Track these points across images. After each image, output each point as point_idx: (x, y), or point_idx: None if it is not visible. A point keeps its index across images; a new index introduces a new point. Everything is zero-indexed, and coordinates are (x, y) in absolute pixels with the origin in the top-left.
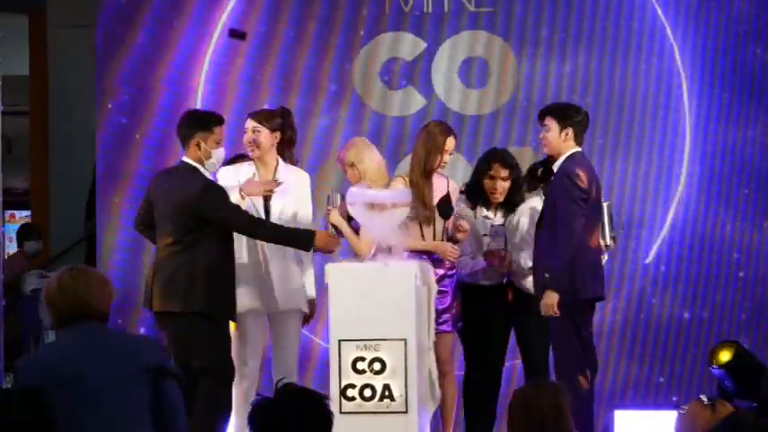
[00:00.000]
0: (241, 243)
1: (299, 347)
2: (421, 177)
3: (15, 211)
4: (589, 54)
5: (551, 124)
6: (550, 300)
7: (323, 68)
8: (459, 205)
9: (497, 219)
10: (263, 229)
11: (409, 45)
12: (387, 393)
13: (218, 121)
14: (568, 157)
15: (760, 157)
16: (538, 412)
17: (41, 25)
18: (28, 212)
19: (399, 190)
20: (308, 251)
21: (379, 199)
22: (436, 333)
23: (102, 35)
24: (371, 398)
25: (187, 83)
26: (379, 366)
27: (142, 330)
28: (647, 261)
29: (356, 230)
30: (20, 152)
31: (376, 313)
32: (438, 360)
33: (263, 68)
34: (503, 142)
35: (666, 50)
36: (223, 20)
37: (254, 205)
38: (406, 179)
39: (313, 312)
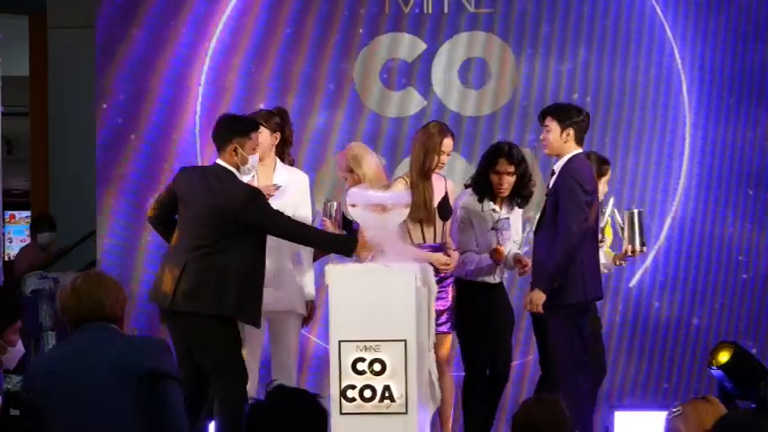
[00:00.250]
0: None
1: (297, 348)
2: (419, 178)
3: (15, 212)
4: (589, 54)
5: (552, 125)
6: (538, 298)
7: (322, 69)
8: (504, 227)
9: (504, 212)
10: (308, 235)
11: (409, 46)
12: (387, 394)
13: (256, 126)
14: (572, 158)
15: (763, 157)
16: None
17: (42, 26)
18: (28, 213)
19: (399, 191)
20: (351, 256)
21: (379, 200)
22: (440, 333)
23: (101, 35)
24: (371, 399)
25: (183, 83)
26: (380, 367)
27: (134, 327)
28: (647, 262)
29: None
30: (20, 153)
31: (376, 314)
32: (440, 361)
33: (262, 69)
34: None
35: (666, 50)
36: (223, 20)
37: None
38: (408, 180)
39: (312, 314)
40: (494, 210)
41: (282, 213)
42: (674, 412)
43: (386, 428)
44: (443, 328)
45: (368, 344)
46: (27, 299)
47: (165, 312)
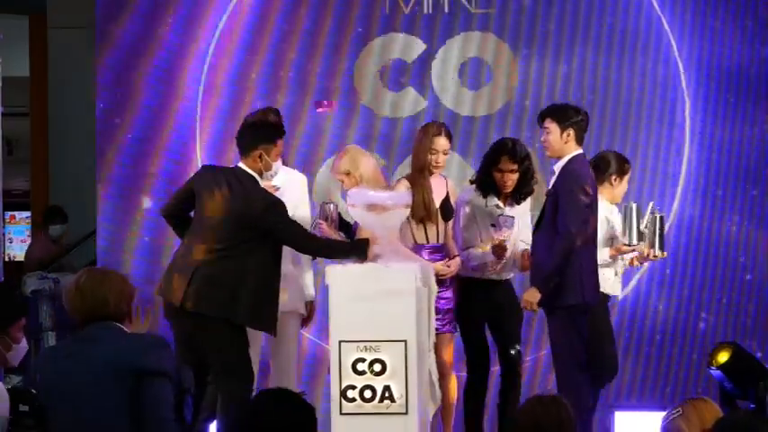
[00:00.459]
0: None
1: (297, 349)
2: (417, 177)
3: (16, 212)
4: (589, 54)
5: (552, 126)
6: (533, 297)
7: (321, 69)
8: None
9: (507, 209)
10: (321, 248)
11: (409, 46)
12: (387, 394)
13: (281, 133)
14: (573, 159)
15: (766, 156)
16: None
17: (42, 27)
18: (28, 213)
19: (399, 191)
20: (365, 259)
21: (378, 200)
22: (437, 334)
23: (100, 35)
24: (372, 399)
25: (183, 83)
26: (380, 367)
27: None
28: (648, 263)
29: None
30: (20, 153)
31: (376, 315)
32: (441, 361)
33: (260, 68)
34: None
35: (666, 50)
36: (224, 20)
37: None
38: (409, 180)
39: (312, 314)
40: (497, 206)
41: (299, 224)
42: (674, 413)
43: (386, 429)
44: (447, 329)
45: (368, 344)
46: (27, 299)
47: (173, 309)
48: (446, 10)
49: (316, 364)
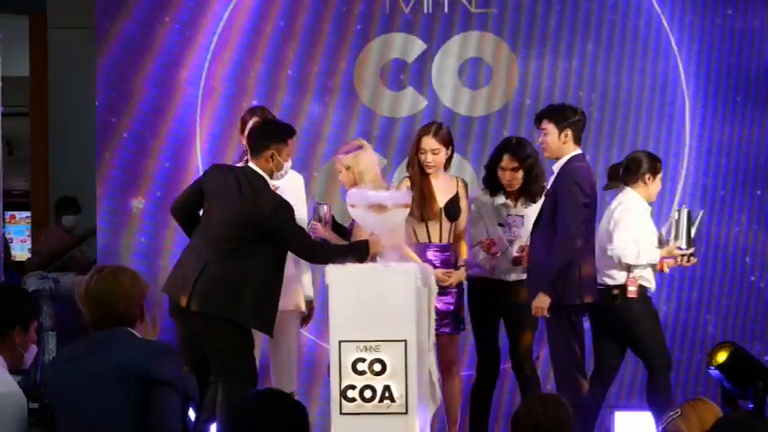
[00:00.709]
0: None
1: (297, 348)
2: (413, 176)
3: (16, 212)
4: (588, 54)
5: (549, 128)
6: (542, 302)
7: (321, 68)
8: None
9: (521, 208)
10: (321, 254)
11: (409, 46)
12: (387, 394)
13: (292, 133)
14: (571, 158)
15: None
16: (544, 429)
17: (42, 27)
18: (28, 213)
19: (399, 191)
20: (365, 260)
21: (379, 200)
22: (441, 334)
23: (100, 35)
24: (372, 399)
25: (183, 82)
26: (380, 367)
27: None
28: None
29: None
30: (20, 153)
31: (376, 314)
32: (443, 361)
33: (259, 68)
34: None
35: (666, 49)
36: (223, 20)
37: None
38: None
39: (311, 313)
40: (504, 204)
41: (303, 230)
42: (672, 416)
43: (386, 428)
44: (448, 329)
45: (368, 344)
46: None
47: (178, 307)
48: (446, 10)
49: (314, 361)
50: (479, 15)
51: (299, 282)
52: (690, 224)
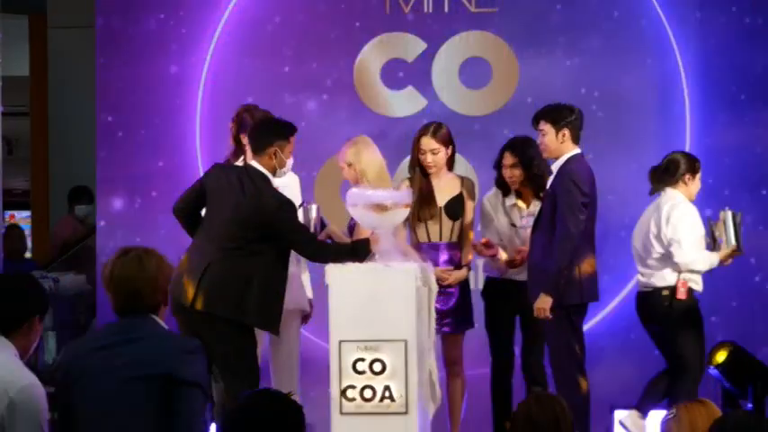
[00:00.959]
0: None
1: (299, 347)
2: (413, 176)
3: (15, 212)
4: (590, 54)
5: (546, 128)
6: (544, 303)
7: (321, 68)
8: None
9: (530, 209)
10: (323, 253)
11: (409, 45)
12: (387, 394)
13: (294, 130)
14: (570, 158)
15: None
16: (541, 427)
17: (42, 27)
18: (28, 213)
19: (400, 190)
20: (365, 259)
21: (378, 199)
22: (444, 334)
23: (100, 35)
24: (372, 399)
25: (183, 82)
26: (380, 367)
27: None
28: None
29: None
30: (20, 153)
31: (376, 314)
32: (447, 361)
33: (259, 67)
34: (504, 143)
35: (667, 48)
36: (224, 19)
37: None
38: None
39: (310, 313)
40: (515, 205)
41: (307, 228)
42: (670, 414)
43: (386, 428)
44: (447, 329)
45: (368, 344)
46: None
47: (181, 306)
48: (446, 9)
49: (312, 361)
50: (480, 15)
51: (301, 281)
52: (739, 226)
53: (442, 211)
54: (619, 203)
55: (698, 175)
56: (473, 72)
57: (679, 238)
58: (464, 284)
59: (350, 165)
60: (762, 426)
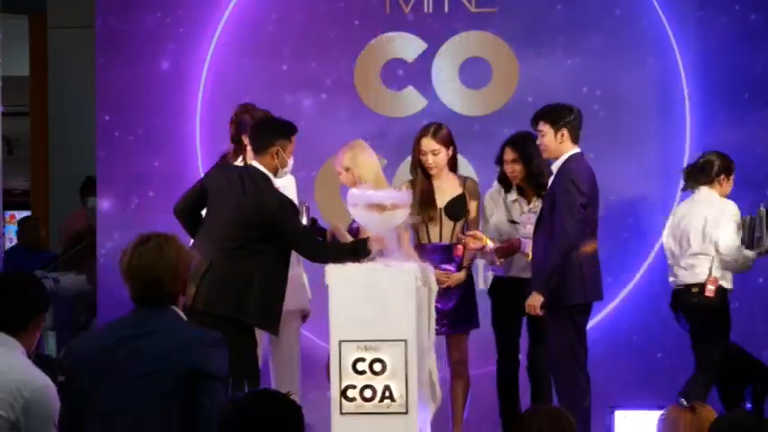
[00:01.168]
0: None
1: (299, 348)
2: (413, 177)
3: (16, 212)
4: (590, 54)
5: (545, 129)
6: (535, 300)
7: (321, 68)
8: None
9: (532, 206)
10: (324, 253)
11: (409, 45)
12: (387, 394)
13: (296, 130)
14: (569, 158)
15: None
16: None
17: (42, 26)
18: (29, 213)
19: (400, 191)
20: (365, 259)
21: (379, 200)
22: (448, 334)
23: (100, 35)
24: (372, 398)
25: (183, 82)
26: (380, 367)
27: None
28: (648, 262)
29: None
30: (20, 153)
31: (376, 314)
32: (451, 361)
33: (259, 67)
34: None
35: (667, 48)
36: (224, 19)
37: None
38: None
39: (308, 313)
40: (516, 201)
41: (307, 228)
42: (663, 415)
43: (386, 428)
44: (448, 329)
45: (368, 344)
46: None
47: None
48: (446, 9)
49: (311, 361)
50: (480, 15)
51: (301, 280)
52: None
53: (442, 213)
54: (619, 203)
55: (732, 176)
56: (473, 72)
57: (722, 234)
58: (467, 285)
59: (347, 169)
60: (761, 426)
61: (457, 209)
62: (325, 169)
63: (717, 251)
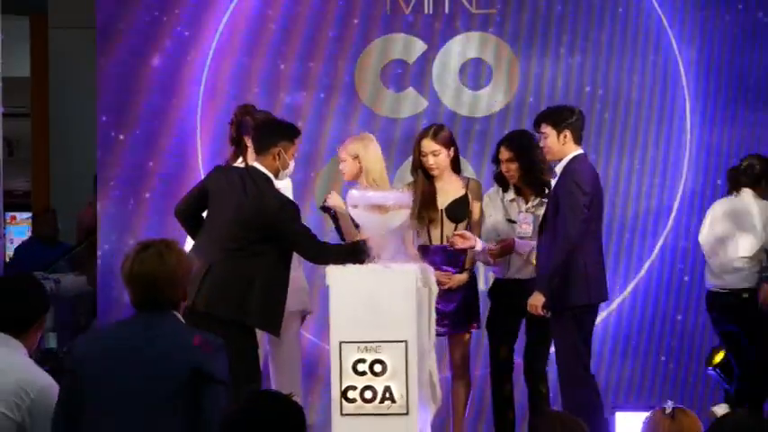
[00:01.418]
0: None
1: (299, 348)
2: (414, 178)
3: (17, 213)
4: (589, 54)
5: (548, 131)
6: (536, 300)
7: (323, 70)
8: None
9: (530, 205)
10: (324, 255)
11: (410, 46)
12: (387, 395)
13: (299, 133)
14: (572, 159)
15: None
16: None
17: (42, 27)
18: (29, 214)
19: (401, 192)
20: (364, 261)
21: (380, 200)
22: (449, 335)
23: (100, 35)
24: (372, 399)
25: (183, 83)
26: (380, 368)
27: None
28: (650, 262)
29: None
30: (21, 154)
31: (377, 315)
32: (452, 363)
33: (259, 68)
34: None
35: (667, 48)
36: (225, 20)
37: None
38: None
39: (310, 311)
40: (514, 200)
41: (309, 230)
42: (647, 417)
43: (387, 429)
44: (449, 330)
45: (368, 345)
46: None
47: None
48: (447, 10)
49: (312, 361)
50: (480, 16)
51: (302, 281)
52: None
53: (443, 214)
54: (620, 202)
55: None
56: (474, 73)
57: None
58: (469, 286)
59: (355, 157)
60: (761, 426)
61: (458, 210)
62: (324, 170)
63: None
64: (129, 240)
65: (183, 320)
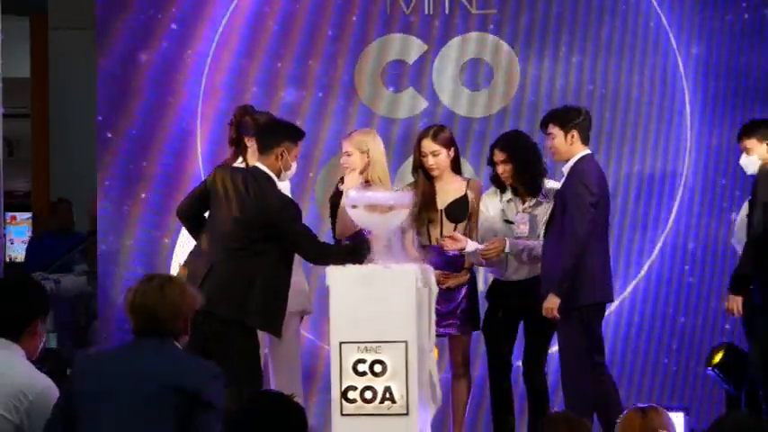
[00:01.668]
0: None
1: (299, 348)
2: (419, 179)
3: (17, 213)
4: (588, 54)
5: (555, 131)
6: (552, 303)
7: (322, 69)
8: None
9: (526, 206)
10: (325, 255)
11: (409, 47)
12: (388, 395)
13: (303, 135)
14: (580, 159)
15: None
16: None
17: (42, 28)
18: (29, 214)
19: (401, 191)
20: (364, 261)
21: (380, 200)
22: (450, 336)
23: (100, 35)
24: (372, 400)
25: (183, 83)
26: (380, 368)
27: None
28: (649, 263)
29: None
30: (21, 154)
31: (377, 315)
32: (453, 363)
33: (259, 68)
34: None
35: (666, 48)
36: (224, 20)
37: None
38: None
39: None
40: (511, 201)
41: (310, 230)
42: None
43: (387, 429)
44: (450, 330)
45: (369, 345)
46: None
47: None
48: (446, 11)
49: (312, 360)
50: (479, 16)
51: (302, 282)
52: None
53: (443, 214)
54: (621, 202)
55: None
56: (473, 73)
57: None
58: (470, 286)
59: (363, 151)
60: (761, 426)
61: (458, 211)
62: (324, 170)
63: None
64: (126, 241)
65: (182, 350)
